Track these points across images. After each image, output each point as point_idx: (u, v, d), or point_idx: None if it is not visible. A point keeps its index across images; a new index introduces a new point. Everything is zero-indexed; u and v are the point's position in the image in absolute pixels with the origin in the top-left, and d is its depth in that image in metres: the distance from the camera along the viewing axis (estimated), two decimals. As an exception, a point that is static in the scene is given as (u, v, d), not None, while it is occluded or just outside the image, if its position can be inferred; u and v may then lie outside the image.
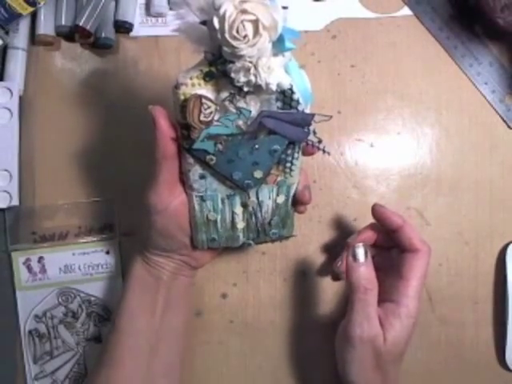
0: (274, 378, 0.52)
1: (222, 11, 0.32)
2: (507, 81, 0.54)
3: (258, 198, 0.42)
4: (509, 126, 0.54)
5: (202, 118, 0.37)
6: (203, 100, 0.36)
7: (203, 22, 0.35)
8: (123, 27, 0.52)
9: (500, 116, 0.54)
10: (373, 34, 0.54)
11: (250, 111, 0.37)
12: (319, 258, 0.53)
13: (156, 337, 0.44)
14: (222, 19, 0.32)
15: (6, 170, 0.50)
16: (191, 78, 0.37)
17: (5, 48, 0.51)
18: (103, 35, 0.51)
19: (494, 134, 0.54)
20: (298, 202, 0.44)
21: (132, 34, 0.53)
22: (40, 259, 0.51)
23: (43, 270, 0.51)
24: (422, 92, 0.54)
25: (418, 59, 0.54)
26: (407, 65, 0.54)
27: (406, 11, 0.55)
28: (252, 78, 0.34)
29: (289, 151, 0.40)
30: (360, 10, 0.54)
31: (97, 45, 0.52)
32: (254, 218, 0.43)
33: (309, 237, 0.53)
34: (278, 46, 0.34)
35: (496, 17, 0.50)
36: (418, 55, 0.54)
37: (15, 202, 0.50)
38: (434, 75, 0.54)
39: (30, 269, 0.51)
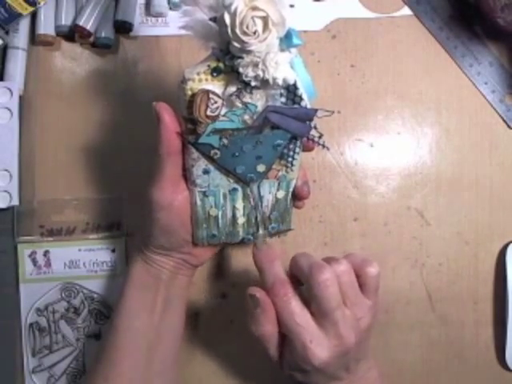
0: (274, 379, 0.52)
1: (233, 8, 0.33)
2: (507, 81, 0.54)
3: (259, 193, 0.42)
4: (509, 126, 0.54)
5: (208, 112, 0.37)
6: (210, 95, 0.37)
7: (213, 19, 0.35)
8: (123, 27, 0.52)
9: (500, 116, 0.54)
10: (373, 34, 0.54)
11: (256, 106, 0.38)
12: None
13: (154, 336, 0.44)
14: (233, 15, 0.33)
15: (6, 170, 0.50)
16: (198, 74, 0.37)
17: (5, 48, 0.51)
18: (103, 35, 0.51)
19: (494, 134, 0.54)
20: (296, 197, 0.44)
21: (132, 33, 0.53)
22: (46, 253, 0.51)
23: (48, 264, 0.51)
24: (422, 92, 0.54)
25: (418, 59, 0.54)
26: (407, 65, 0.54)
27: (406, 11, 0.55)
28: (260, 72, 0.35)
29: (291, 146, 0.41)
30: (360, 9, 0.54)
31: (97, 45, 0.52)
32: (254, 212, 0.43)
33: (309, 237, 0.53)
34: (286, 41, 0.35)
35: (496, 17, 0.50)
36: (418, 55, 0.54)
37: (15, 201, 0.50)
38: (434, 75, 0.54)
39: (35, 262, 0.51)
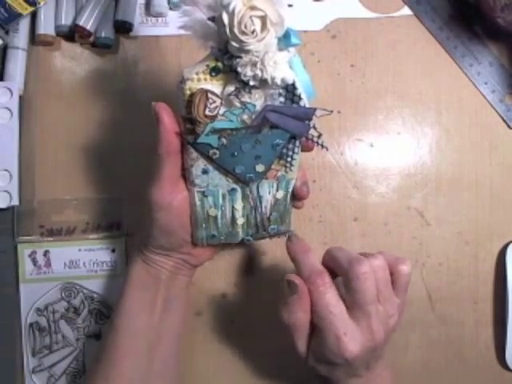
0: (274, 379, 0.52)
1: (231, 7, 0.33)
2: (507, 81, 0.54)
3: (258, 193, 0.42)
4: (509, 126, 0.54)
5: (207, 112, 0.37)
6: (209, 95, 0.37)
7: (211, 19, 0.35)
8: (123, 27, 0.52)
9: (500, 116, 0.54)
10: (373, 34, 0.54)
11: (255, 105, 0.38)
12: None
13: (154, 336, 0.45)
14: (231, 15, 0.33)
15: (6, 170, 0.50)
16: (197, 73, 0.37)
17: (5, 48, 0.51)
18: (103, 35, 0.51)
19: (493, 134, 0.54)
20: (296, 198, 0.44)
21: (132, 33, 0.53)
22: (46, 253, 0.51)
23: (48, 264, 0.51)
24: (422, 92, 0.54)
25: (418, 59, 0.54)
26: (407, 65, 0.54)
27: (406, 11, 0.55)
28: (258, 72, 0.35)
29: (290, 145, 0.40)
30: (360, 10, 0.54)
31: (97, 44, 0.52)
32: (253, 213, 0.43)
33: (309, 237, 0.53)
34: (284, 41, 0.36)
35: (496, 17, 0.50)
36: (418, 55, 0.54)
37: (15, 201, 0.50)
38: (434, 75, 0.54)
39: (35, 262, 0.51)
